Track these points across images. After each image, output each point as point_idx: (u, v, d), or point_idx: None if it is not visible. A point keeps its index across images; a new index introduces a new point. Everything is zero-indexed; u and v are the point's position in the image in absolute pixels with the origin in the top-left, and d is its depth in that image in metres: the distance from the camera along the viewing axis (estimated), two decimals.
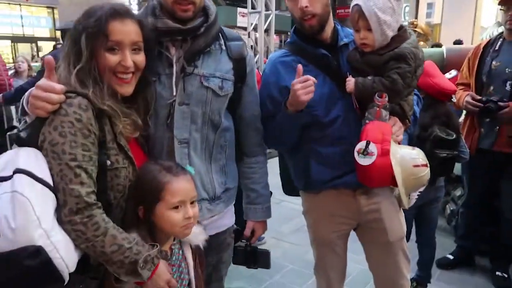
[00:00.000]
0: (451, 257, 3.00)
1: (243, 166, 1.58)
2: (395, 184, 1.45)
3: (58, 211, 1.02)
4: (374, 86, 1.41)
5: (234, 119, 1.50)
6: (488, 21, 10.61)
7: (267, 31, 8.06)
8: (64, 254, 0.99)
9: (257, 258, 1.68)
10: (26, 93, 1.10)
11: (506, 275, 2.78)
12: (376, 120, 1.41)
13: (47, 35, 18.84)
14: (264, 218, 1.63)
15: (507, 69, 2.52)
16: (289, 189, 1.89)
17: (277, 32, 11.60)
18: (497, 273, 2.80)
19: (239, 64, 1.44)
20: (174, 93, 1.33)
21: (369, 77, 1.44)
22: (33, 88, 1.08)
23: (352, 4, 1.46)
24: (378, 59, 1.44)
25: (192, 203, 1.20)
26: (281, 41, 15.45)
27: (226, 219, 1.54)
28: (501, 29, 2.79)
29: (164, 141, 1.36)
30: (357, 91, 1.45)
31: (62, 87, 1.07)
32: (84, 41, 1.11)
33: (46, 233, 0.96)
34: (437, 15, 11.91)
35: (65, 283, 1.01)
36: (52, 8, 14.92)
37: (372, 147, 1.32)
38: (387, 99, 1.39)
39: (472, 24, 9.95)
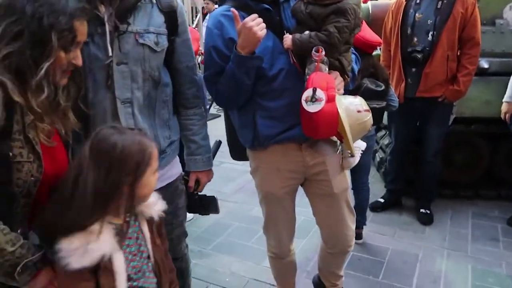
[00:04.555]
0: (382, 200, 3.28)
1: (181, 118, 1.60)
2: (339, 136, 1.50)
3: None
4: (311, 40, 1.43)
5: (170, 73, 1.50)
6: None
7: None
8: None
9: (206, 205, 1.72)
10: None
11: (428, 211, 3.11)
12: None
13: None
14: (206, 168, 1.65)
15: (428, 21, 2.70)
16: (237, 153, 1.90)
17: None
18: (421, 210, 3.13)
19: (171, 16, 1.41)
20: (110, 53, 1.28)
21: (306, 33, 1.46)
22: None
23: None
24: (321, 12, 1.46)
25: None
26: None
27: (174, 168, 1.58)
28: None
29: (106, 104, 1.33)
30: (295, 47, 1.47)
31: None
32: (56, 40, 1.01)
33: None
34: None
35: None
36: None
37: (320, 93, 1.35)
38: (324, 53, 1.41)
39: None
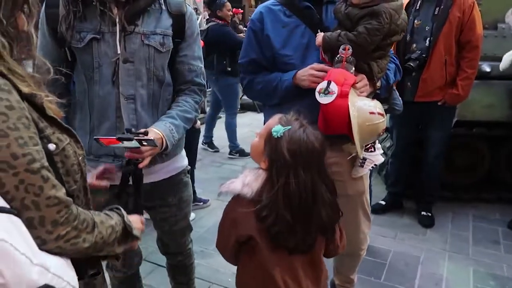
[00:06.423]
0: (383, 202, 3.29)
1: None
2: (351, 135, 1.50)
3: (33, 234, 0.77)
4: (339, 39, 1.47)
5: (171, 73, 1.52)
6: None
7: None
8: (68, 278, 0.81)
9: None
10: None
11: (429, 214, 3.12)
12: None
13: None
14: (161, 130, 1.40)
15: (426, 27, 2.72)
16: None
17: None
18: (422, 213, 3.14)
19: (179, 20, 1.47)
20: (119, 51, 1.35)
21: (337, 31, 1.50)
22: None
23: None
24: (357, 13, 1.48)
25: None
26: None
27: (178, 163, 1.61)
28: None
29: (111, 98, 1.38)
30: (324, 44, 1.52)
31: None
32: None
33: (43, 266, 0.75)
34: None
35: None
36: None
37: (333, 86, 1.37)
38: (350, 51, 1.44)
39: None
